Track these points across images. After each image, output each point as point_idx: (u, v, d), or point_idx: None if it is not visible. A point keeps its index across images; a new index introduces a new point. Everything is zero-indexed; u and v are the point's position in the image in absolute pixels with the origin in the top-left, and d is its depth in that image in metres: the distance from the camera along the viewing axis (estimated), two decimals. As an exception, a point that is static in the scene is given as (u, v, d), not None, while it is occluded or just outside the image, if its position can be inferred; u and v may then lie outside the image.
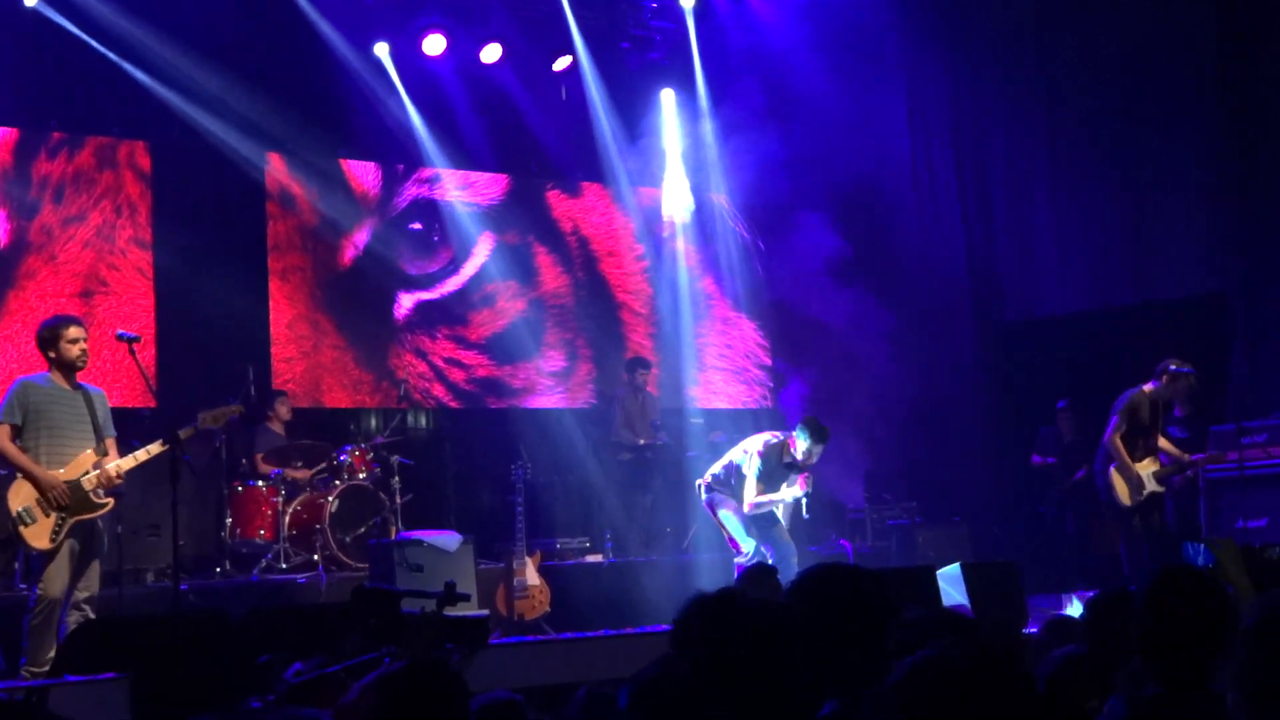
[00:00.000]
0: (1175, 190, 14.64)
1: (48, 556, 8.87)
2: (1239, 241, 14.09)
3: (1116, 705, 3.89)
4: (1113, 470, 12.24)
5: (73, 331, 9.12)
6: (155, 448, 9.20)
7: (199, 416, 9.33)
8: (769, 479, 11.50)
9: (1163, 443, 12.43)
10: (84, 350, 9.16)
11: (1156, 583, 4.03)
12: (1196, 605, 3.94)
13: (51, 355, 9.09)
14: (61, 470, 8.93)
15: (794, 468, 11.50)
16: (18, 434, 8.95)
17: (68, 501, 8.87)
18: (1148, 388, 12.21)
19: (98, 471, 9.00)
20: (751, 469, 11.49)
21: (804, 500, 11.47)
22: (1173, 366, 12.13)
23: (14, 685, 7.90)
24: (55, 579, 8.89)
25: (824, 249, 16.04)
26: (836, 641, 3.91)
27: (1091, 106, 15.15)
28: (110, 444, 9.24)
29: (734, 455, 11.79)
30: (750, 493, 11.46)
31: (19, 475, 8.89)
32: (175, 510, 9.34)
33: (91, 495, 8.99)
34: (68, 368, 9.09)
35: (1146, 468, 12.20)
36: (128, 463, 9.17)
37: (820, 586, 4.04)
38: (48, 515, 8.83)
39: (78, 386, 9.16)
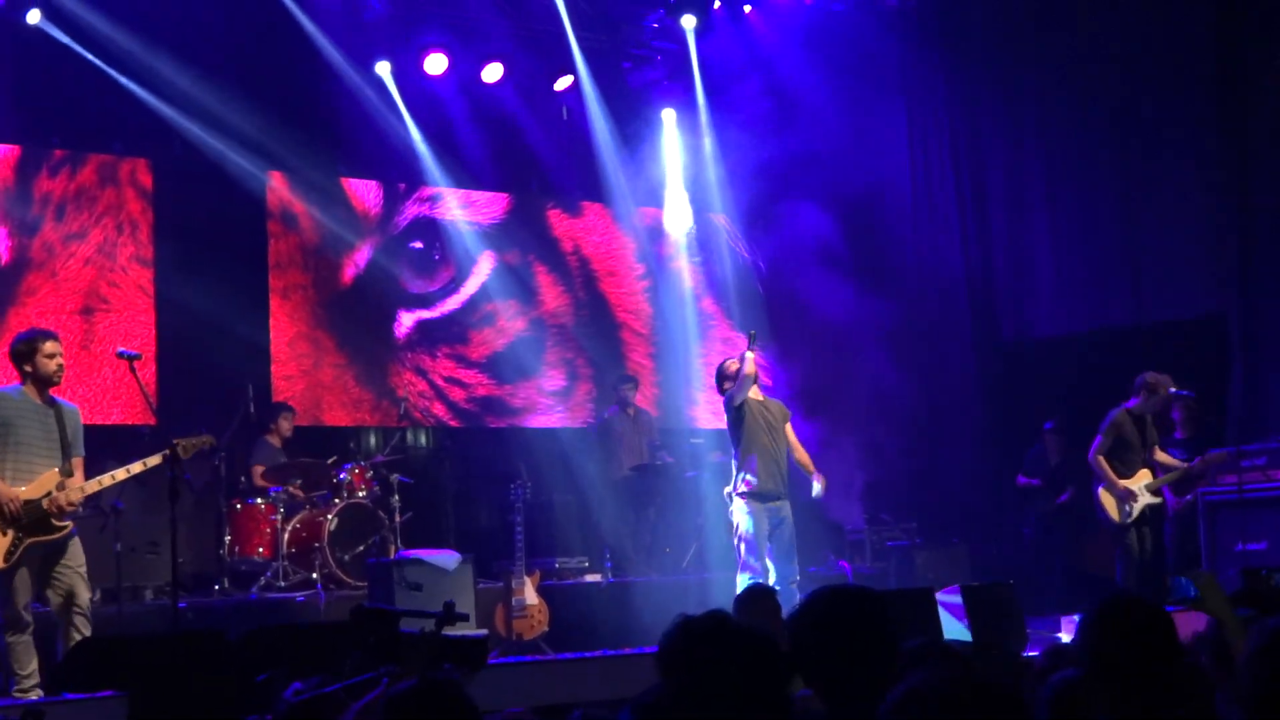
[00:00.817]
0: (1173, 211, 14.64)
1: (4, 575, 8.72)
2: (1237, 263, 14.08)
3: None
4: (1101, 489, 12.30)
5: (49, 346, 8.98)
6: (121, 473, 9.07)
7: (171, 446, 9.06)
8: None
9: (1161, 456, 12.47)
10: (60, 365, 9.02)
11: (1101, 614, 4.02)
12: (1139, 637, 3.93)
13: (27, 369, 8.92)
14: (24, 488, 8.75)
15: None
16: None
17: (21, 517, 8.67)
18: (1128, 405, 12.30)
19: (61, 493, 8.81)
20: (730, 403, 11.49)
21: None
22: (1148, 378, 12.23)
23: (11, 704, 7.90)
24: (17, 596, 8.75)
25: (823, 270, 16.05)
26: (842, 663, 3.91)
27: (1088, 126, 15.16)
28: (77, 464, 9.08)
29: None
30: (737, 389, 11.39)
31: None
32: (174, 528, 9.30)
33: (50, 517, 8.80)
34: (44, 383, 8.95)
35: (1137, 481, 12.24)
36: (92, 486, 9.02)
37: (827, 608, 4.03)
38: (4, 534, 8.65)
39: (51, 402, 9.00)
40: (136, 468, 9.10)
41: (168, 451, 9.06)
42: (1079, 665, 4.54)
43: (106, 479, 9.07)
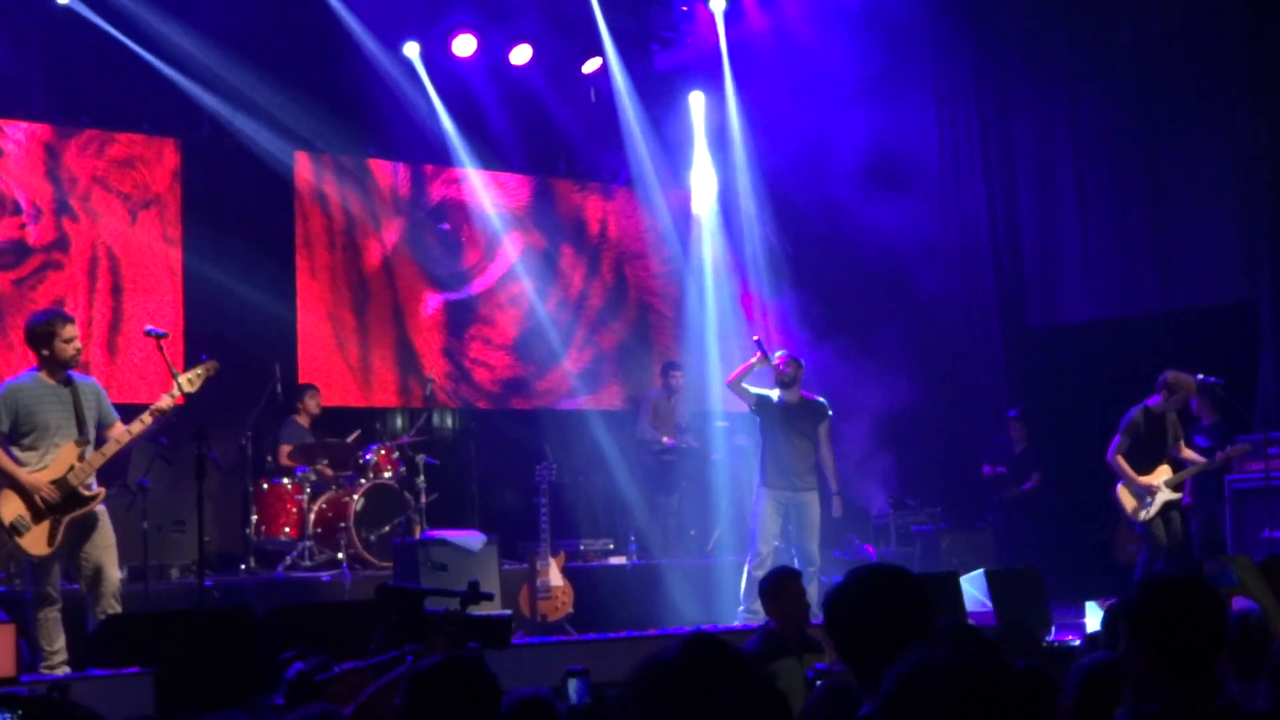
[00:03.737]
0: (1203, 196, 14.55)
1: (42, 560, 8.78)
2: (1268, 249, 14.01)
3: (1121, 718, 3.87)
4: (1119, 486, 12.30)
5: (68, 330, 8.94)
6: (137, 426, 8.99)
7: (175, 382, 9.05)
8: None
9: (1187, 453, 12.42)
10: (78, 349, 9.01)
11: (1149, 595, 3.98)
12: (1190, 617, 3.89)
13: (45, 353, 8.89)
14: (49, 471, 8.78)
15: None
16: (6, 439, 8.81)
17: (57, 501, 8.73)
18: (1149, 403, 12.29)
19: (82, 463, 8.84)
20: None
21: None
22: (1169, 378, 12.23)
23: (39, 679, 7.94)
24: (47, 573, 8.81)
25: (850, 253, 16.02)
26: (877, 641, 3.91)
27: (1118, 110, 15.08)
28: (116, 429, 9.06)
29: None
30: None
31: (6, 485, 8.73)
32: (201, 506, 9.34)
33: (79, 489, 8.83)
34: (62, 366, 8.94)
35: (1156, 477, 12.23)
36: (111, 448, 8.98)
37: (864, 586, 4.03)
38: (41, 521, 8.69)
39: (67, 381, 8.97)
40: (148, 418, 9.01)
41: (177, 392, 9.02)
42: (1111, 648, 4.52)
43: (124, 435, 9.03)
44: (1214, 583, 9.68)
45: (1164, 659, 3.83)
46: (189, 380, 9.15)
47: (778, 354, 12.20)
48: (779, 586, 7.77)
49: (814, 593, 11.04)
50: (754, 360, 12.12)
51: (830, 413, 12.34)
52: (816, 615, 8.24)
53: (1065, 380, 15.54)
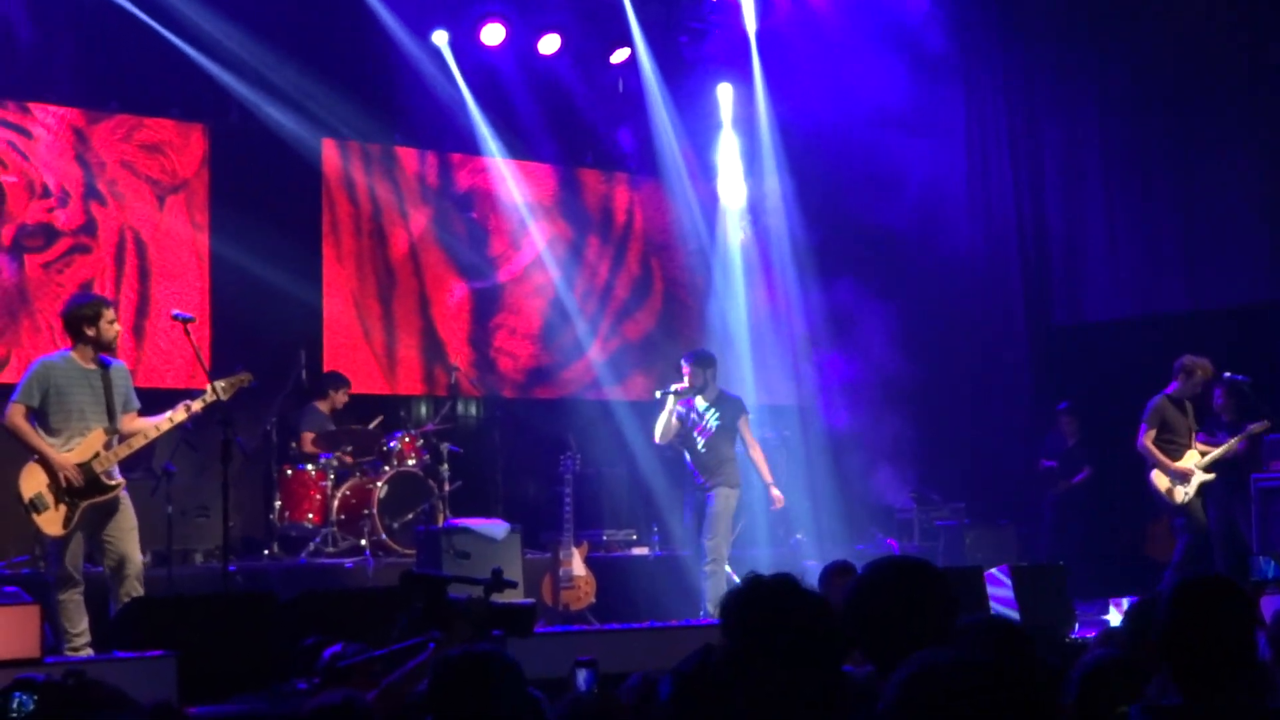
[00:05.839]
0: (1229, 196, 14.51)
1: (62, 541, 8.85)
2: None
3: (1136, 714, 3.85)
4: (1154, 473, 12.28)
5: (110, 312, 9.07)
6: (164, 422, 9.13)
7: (209, 387, 9.17)
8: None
9: (1198, 447, 12.40)
10: (119, 331, 9.14)
11: (1180, 592, 3.96)
12: (1221, 616, 3.87)
13: (89, 333, 8.96)
14: (75, 452, 8.84)
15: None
16: (35, 415, 8.87)
17: (80, 484, 8.80)
18: (1168, 391, 12.32)
19: (109, 451, 8.94)
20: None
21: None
22: (1185, 361, 12.26)
23: (61, 661, 7.96)
24: (69, 555, 8.87)
25: (877, 247, 15.98)
26: (897, 632, 3.90)
27: (1145, 109, 15.04)
28: (132, 418, 9.16)
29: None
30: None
31: (32, 459, 8.80)
32: (226, 491, 9.36)
33: (101, 477, 8.90)
34: (103, 348, 9.02)
35: (1189, 461, 12.23)
36: (138, 440, 9.11)
37: (885, 577, 4.02)
38: (59, 502, 8.75)
39: (100, 364, 9.05)
40: (180, 415, 9.12)
41: (209, 397, 9.12)
42: (1132, 644, 4.50)
43: (151, 430, 9.12)
44: (1254, 576, 9.66)
45: (1191, 658, 3.81)
46: (223, 389, 9.19)
47: (683, 384, 12.04)
48: (829, 581, 7.74)
49: (709, 589, 11.16)
50: (669, 407, 11.96)
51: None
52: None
53: (1091, 379, 15.50)
